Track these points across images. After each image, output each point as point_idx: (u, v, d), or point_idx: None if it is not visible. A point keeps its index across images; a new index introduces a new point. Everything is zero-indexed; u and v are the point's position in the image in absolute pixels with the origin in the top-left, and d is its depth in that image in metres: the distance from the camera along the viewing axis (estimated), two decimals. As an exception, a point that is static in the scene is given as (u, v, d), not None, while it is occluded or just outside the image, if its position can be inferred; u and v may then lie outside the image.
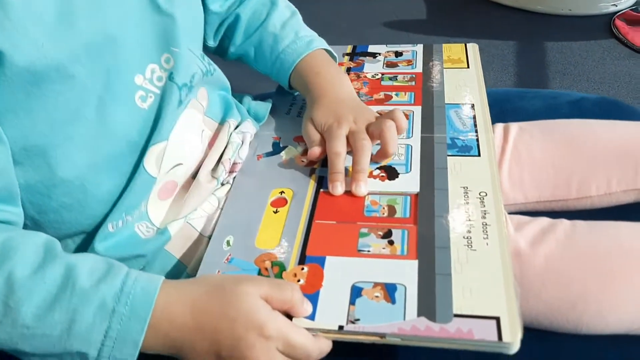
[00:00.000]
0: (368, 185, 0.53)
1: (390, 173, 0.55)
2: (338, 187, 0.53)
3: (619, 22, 1.63)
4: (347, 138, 0.55)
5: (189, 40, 0.53)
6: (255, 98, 0.68)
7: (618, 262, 0.50)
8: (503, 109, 0.59)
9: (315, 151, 0.56)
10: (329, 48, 0.66)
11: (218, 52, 0.70)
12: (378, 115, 0.58)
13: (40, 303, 0.39)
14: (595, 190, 0.62)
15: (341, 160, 0.54)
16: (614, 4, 1.72)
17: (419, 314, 0.42)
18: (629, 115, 0.74)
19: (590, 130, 0.65)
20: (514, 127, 0.67)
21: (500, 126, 0.68)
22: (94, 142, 0.45)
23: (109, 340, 0.39)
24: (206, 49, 0.68)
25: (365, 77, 0.71)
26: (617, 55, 1.55)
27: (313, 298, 0.44)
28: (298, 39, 0.64)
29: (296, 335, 0.41)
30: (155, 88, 0.50)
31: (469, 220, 0.49)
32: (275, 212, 0.53)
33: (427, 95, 0.66)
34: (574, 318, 0.50)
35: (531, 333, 0.44)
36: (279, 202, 0.54)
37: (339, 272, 0.46)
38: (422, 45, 0.77)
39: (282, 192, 0.55)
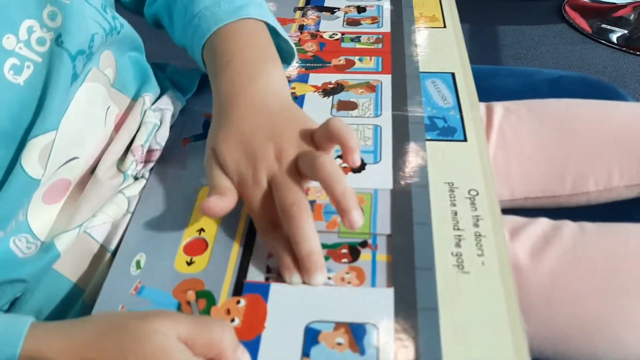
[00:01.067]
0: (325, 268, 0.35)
1: None
2: (294, 279, 0.34)
3: (568, 8, 1.63)
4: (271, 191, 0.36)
5: None
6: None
7: (638, 274, 0.41)
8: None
9: (209, 204, 0.35)
10: (271, 21, 0.45)
11: (137, 11, 0.54)
12: (312, 127, 0.38)
13: None
14: (593, 186, 0.52)
15: (274, 237, 0.36)
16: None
17: (397, 370, 0.30)
18: (613, 96, 0.65)
19: (586, 113, 0.55)
20: (499, 107, 0.56)
21: (481, 106, 0.56)
22: None
23: None
24: (121, 5, 0.52)
25: (322, 37, 0.58)
26: (569, 40, 1.57)
27: (252, 346, 0.32)
28: (225, 0, 0.44)
29: None
30: (35, 55, 0.35)
31: (458, 229, 0.37)
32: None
33: (398, 62, 0.54)
34: (585, 346, 0.40)
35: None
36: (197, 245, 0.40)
37: (289, 306, 0.34)
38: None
39: (200, 231, 0.41)
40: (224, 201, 0.36)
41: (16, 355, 0.28)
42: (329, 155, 0.36)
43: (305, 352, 0.31)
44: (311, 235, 0.34)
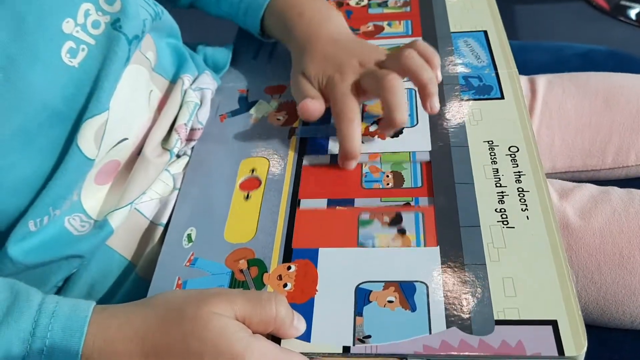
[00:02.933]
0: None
1: None
2: (351, 165, 0.41)
3: None
4: (357, 90, 0.41)
5: None
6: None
7: None
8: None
9: (308, 105, 0.41)
10: None
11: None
12: (389, 53, 0.44)
13: None
14: (634, 159, 0.52)
15: (356, 129, 0.40)
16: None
17: (448, 325, 0.31)
18: None
19: (630, 87, 0.54)
20: (542, 80, 0.55)
21: (524, 79, 0.56)
22: (1, 111, 0.33)
23: None
24: None
25: (348, 4, 0.58)
26: (587, 18, 1.51)
27: (306, 309, 0.33)
28: None
29: None
30: (90, 38, 0.36)
31: (500, 186, 0.38)
32: (247, 197, 0.41)
33: (427, 23, 0.53)
34: (632, 308, 0.40)
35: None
36: (250, 184, 0.42)
37: (338, 269, 0.35)
38: (413, -40, 0.62)
39: (253, 170, 0.43)
40: (315, 103, 0.41)
41: (80, 343, 0.29)
42: (413, 51, 0.41)
43: (358, 311, 0.32)
44: (404, 104, 0.39)
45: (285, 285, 0.34)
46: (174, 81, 0.46)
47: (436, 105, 0.40)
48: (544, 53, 0.68)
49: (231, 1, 0.51)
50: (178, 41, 0.49)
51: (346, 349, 0.31)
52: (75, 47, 0.36)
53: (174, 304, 0.31)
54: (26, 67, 0.33)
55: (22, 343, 0.29)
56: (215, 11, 0.53)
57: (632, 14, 1.42)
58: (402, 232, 0.36)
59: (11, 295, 0.30)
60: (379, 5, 0.57)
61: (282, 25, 0.47)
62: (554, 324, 0.30)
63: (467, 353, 0.30)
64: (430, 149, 0.41)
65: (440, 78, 0.41)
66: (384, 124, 0.40)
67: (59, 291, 0.40)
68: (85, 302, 0.31)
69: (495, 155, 0.40)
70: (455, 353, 0.30)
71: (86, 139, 0.36)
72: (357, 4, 0.58)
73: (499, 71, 0.46)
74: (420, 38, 0.43)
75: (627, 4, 1.45)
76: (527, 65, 0.63)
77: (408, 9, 0.56)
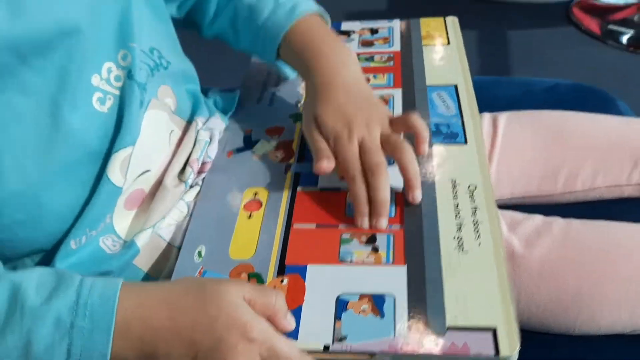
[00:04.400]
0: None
1: None
2: (364, 223, 0.45)
3: (575, 10, 1.66)
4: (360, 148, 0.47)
5: (147, 33, 0.48)
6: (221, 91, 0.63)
7: (612, 264, 0.48)
8: (477, 98, 0.57)
9: (322, 166, 0.47)
10: (318, 8, 0.57)
11: (191, 26, 0.63)
12: (390, 114, 0.50)
13: None
14: (580, 185, 0.60)
15: (361, 186, 0.45)
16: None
17: (409, 328, 0.38)
18: (604, 102, 0.73)
19: (577, 123, 0.63)
20: (503, 117, 0.64)
21: (487, 116, 0.65)
22: (48, 149, 0.41)
23: (73, 357, 0.36)
24: (175, 22, 0.60)
25: None
26: (576, 42, 1.59)
27: (295, 314, 0.40)
28: (278, 7, 0.55)
29: (282, 343, 0.38)
30: (114, 89, 0.45)
31: (459, 217, 0.45)
32: (249, 216, 0.49)
33: (407, 77, 0.62)
34: (566, 322, 0.48)
35: (521, 334, 0.41)
36: (253, 205, 0.50)
37: (322, 283, 0.42)
38: (398, 20, 0.72)
39: (255, 194, 0.51)
40: (330, 165, 0.47)
41: (114, 307, 0.36)
42: (407, 143, 0.47)
43: (337, 317, 0.40)
44: (387, 188, 0.45)
45: (278, 295, 0.42)
46: (190, 122, 0.54)
47: (417, 198, 0.46)
48: (515, 88, 0.77)
49: (245, 41, 0.58)
50: (196, 86, 0.57)
51: (326, 347, 0.38)
52: (103, 97, 0.44)
53: (196, 282, 0.39)
54: (68, 113, 0.41)
55: (69, 309, 0.36)
56: (236, 45, 0.61)
57: (624, 39, 1.49)
58: (375, 250, 0.44)
59: (57, 277, 0.38)
60: (367, 59, 0.66)
61: (297, 60, 0.54)
62: (494, 330, 0.38)
63: (421, 352, 0.37)
64: (403, 185, 0.49)
65: (426, 151, 0.48)
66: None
67: None
68: (115, 279, 0.39)
69: (456, 191, 0.47)
70: (412, 351, 0.37)
71: (114, 170, 0.44)
72: (348, 57, 0.66)
73: (465, 120, 0.55)
74: (412, 112, 0.50)
75: (618, 29, 1.52)
76: (498, 99, 0.71)
77: (391, 63, 0.64)
